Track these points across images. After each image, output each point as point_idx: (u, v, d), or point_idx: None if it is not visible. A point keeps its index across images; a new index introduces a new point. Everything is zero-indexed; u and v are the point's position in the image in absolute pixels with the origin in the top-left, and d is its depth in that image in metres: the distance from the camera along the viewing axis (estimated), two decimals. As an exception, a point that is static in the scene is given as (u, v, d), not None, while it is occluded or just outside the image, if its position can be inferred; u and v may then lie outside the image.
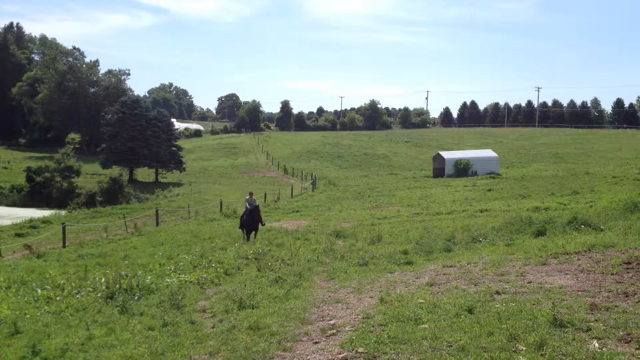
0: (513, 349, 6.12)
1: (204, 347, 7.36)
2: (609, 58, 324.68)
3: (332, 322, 8.09)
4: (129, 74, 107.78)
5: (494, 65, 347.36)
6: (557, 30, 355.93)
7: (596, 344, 6.10)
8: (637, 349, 5.95)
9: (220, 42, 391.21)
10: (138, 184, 66.02)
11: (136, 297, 11.04)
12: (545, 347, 6.02)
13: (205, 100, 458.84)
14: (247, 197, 22.38)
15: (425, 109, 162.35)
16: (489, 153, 66.98)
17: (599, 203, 23.89)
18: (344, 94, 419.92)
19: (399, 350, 6.39)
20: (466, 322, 7.26)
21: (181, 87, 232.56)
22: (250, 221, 21.24)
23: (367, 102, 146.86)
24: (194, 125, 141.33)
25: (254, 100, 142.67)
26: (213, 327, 8.42)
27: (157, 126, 72.09)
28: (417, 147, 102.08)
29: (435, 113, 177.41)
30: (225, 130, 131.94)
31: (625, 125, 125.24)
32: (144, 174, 74.02)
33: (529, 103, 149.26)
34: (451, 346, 6.39)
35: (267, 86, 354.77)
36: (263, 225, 22.10)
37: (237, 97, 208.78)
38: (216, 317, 9.17)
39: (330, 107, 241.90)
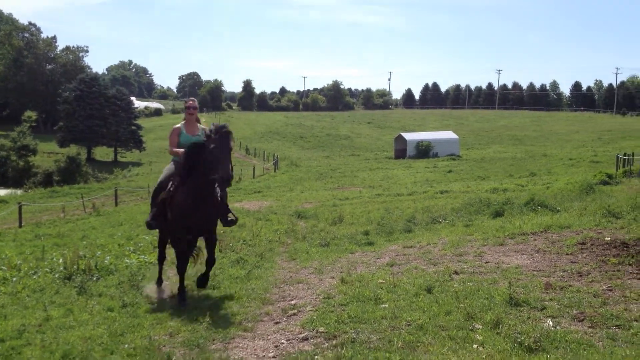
0: (470, 328, 6.25)
1: (164, 327, 7.32)
2: (568, 41, 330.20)
3: (293, 302, 8.12)
4: (87, 51, 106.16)
5: (455, 47, 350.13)
6: (517, 13, 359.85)
7: (550, 323, 6.26)
8: (590, 327, 6.13)
9: (180, 19, 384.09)
10: (96, 164, 65.04)
11: (95, 278, 10.89)
12: (501, 326, 6.15)
13: (166, 78, 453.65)
14: (178, 126, 9.22)
15: (387, 90, 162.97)
16: (449, 135, 67.75)
17: (555, 185, 24.45)
18: (306, 74, 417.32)
19: (359, 329, 6.46)
20: (425, 301, 7.37)
21: (141, 65, 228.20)
22: (196, 208, 8.19)
23: (330, 82, 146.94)
24: (154, 104, 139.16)
25: (215, 80, 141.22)
26: (173, 308, 8.36)
27: (116, 104, 71.10)
28: (379, 128, 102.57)
29: (397, 94, 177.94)
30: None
31: (582, 108, 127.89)
32: (103, 153, 72.87)
33: (490, 85, 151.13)
34: (410, 325, 6.49)
35: (228, 65, 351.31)
36: (230, 223, 9.03)
37: (198, 75, 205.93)
38: (176, 298, 9.10)
39: (292, 87, 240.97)
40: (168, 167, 9.28)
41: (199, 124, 9.38)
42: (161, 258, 9.77)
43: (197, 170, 8.18)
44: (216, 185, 8.24)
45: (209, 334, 6.86)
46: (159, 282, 9.48)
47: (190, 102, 9.46)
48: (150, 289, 9.29)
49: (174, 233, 8.75)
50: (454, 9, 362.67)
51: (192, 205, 8.20)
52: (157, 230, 9.64)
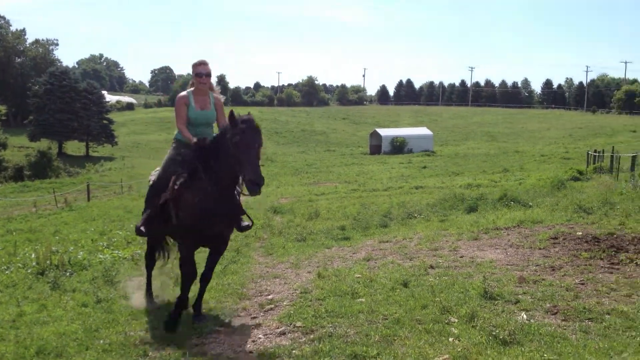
0: (446, 321, 6.31)
1: (139, 323, 7.26)
2: (539, 40, 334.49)
3: (270, 297, 8.12)
4: (57, 44, 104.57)
5: (429, 45, 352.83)
6: (489, 11, 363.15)
7: (524, 316, 6.35)
8: (563, 320, 6.22)
9: (151, 12, 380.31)
10: (68, 158, 64.13)
11: (68, 274, 10.76)
12: (476, 319, 6.22)
13: (138, 72, 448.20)
14: (185, 95, 7.21)
15: (362, 86, 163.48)
16: (424, 131, 68.39)
17: (528, 181, 24.81)
18: (281, 69, 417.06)
19: (336, 323, 6.48)
20: (401, 295, 7.42)
21: (112, 59, 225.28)
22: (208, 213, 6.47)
23: (305, 78, 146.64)
24: (126, 98, 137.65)
25: (188, 74, 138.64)
26: (149, 305, 8.29)
27: (87, 98, 70.17)
28: (354, 124, 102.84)
29: (372, 91, 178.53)
30: (160, 104, 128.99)
31: (553, 106, 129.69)
32: (74, 147, 71.81)
33: (463, 82, 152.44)
34: (387, 319, 6.53)
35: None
36: (245, 228, 7.47)
37: (171, 70, 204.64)
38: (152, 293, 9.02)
39: (267, 82, 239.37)
40: (168, 157, 7.31)
41: (211, 93, 7.32)
42: (150, 265, 8.43)
43: (215, 163, 6.50)
44: (239, 181, 6.52)
45: (185, 329, 6.83)
46: (149, 293, 8.27)
47: (201, 66, 7.04)
48: (139, 299, 8.28)
49: (181, 238, 7.07)
50: (427, 6, 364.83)
51: (209, 206, 6.49)
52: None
